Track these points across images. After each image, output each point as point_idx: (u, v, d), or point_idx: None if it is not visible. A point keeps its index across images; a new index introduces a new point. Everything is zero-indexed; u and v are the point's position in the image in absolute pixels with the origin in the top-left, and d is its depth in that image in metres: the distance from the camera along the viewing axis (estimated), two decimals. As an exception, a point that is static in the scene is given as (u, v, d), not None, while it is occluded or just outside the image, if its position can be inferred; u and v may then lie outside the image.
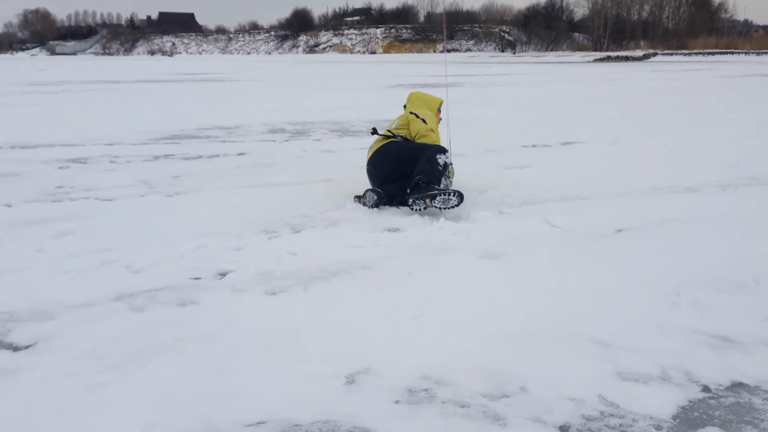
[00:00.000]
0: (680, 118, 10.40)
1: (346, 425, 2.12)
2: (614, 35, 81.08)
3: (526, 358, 2.49)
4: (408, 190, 4.58)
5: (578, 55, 62.91)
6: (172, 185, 5.69)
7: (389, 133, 5.00)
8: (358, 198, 4.84)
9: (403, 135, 4.96)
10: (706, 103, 12.88)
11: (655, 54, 55.49)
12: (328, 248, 3.85)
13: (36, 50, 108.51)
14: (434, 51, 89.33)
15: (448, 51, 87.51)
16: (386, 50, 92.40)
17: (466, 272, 3.43)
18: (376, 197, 4.68)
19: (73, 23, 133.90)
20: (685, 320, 2.79)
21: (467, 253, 3.72)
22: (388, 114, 11.07)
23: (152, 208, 4.91)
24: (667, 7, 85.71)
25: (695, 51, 58.34)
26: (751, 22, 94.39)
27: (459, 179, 5.38)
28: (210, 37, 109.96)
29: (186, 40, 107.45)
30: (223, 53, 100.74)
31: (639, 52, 58.78)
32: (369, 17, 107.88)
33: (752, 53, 52.95)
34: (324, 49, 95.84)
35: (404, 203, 4.67)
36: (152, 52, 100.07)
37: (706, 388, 2.29)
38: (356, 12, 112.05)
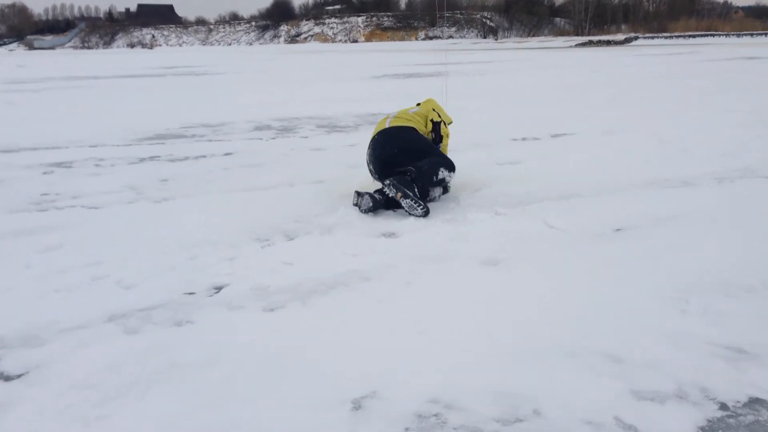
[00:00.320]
0: (668, 105, 10.36)
1: (357, 458, 2.04)
2: (595, 19, 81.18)
3: (537, 377, 2.42)
4: (398, 171, 4.60)
5: (560, 40, 62.91)
6: (159, 190, 5.56)
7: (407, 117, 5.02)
8: (358, 195, 4.67)
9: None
10: (693, 89, 12.86)
11: (636, 38, 55.57)
12: (324, 257, 3.76)
13: (14, 45, 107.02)
14: (416, 38, 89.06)
15: (429, 38, 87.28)
16: (368, 39, 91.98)
17: (466, 281, 3.35)
18: (371, 203, 4.58)
19: (50, 17, 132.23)
20: (697, 330, 2.73)
21: (466, 260, 3.64)
22: (377, 107, 10.98)
23: (140, 215, 4.79)
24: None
25: (676, 34, 58.51)
26: (731, 3, 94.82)
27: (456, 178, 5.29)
28: (190, 29, 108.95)
29: (166, 32, 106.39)
30: (204, 45, 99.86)
31: (620, 36, 58.84)
32: (350, 6, 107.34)
33: (732, 35, 53.17)
34: (305, 38, 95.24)
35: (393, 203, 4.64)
36: (132, 45, 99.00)
37: (723, 406, 2.23)
38: (337, 1, 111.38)
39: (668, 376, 2.40)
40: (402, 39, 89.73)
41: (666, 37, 55.06)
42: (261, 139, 8.32)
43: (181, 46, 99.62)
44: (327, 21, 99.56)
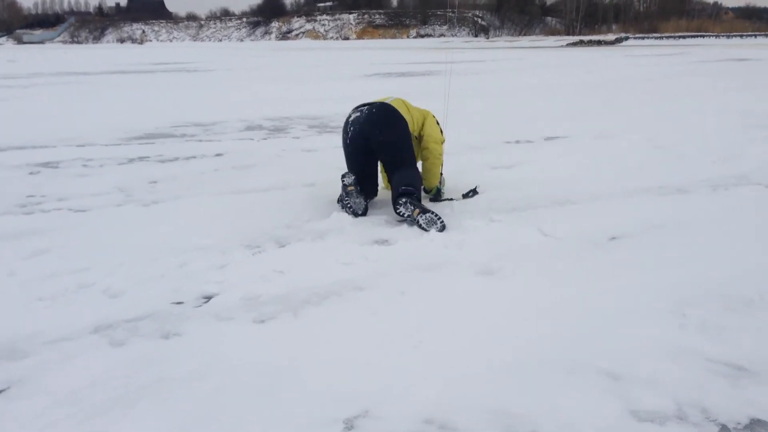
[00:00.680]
0: (661, 108, 10.35)
1: (350, 482, 1.98)
2: (586, 19, 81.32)
3: (534, 395, 2.36)
4: (399, 191, 4.39)
5: (551, 40, 62.98)
6: (148, 192, 5.48)
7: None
8: (342, 199, 4.55)
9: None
10: (685, 92, 12.86)
11: (627, 38, 55.70)
12: (317, 266, 3.69)
13: (3, 39, 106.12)
14: (408, 36, 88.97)
15: (421, 36, 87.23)
16: (360, 36, 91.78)
17: (461, 292, 3.29)
18: (364, 205, 4.52)
19: (40, 11, 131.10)
20: (695, 345, 2.69)
21: (461, 270, 3.58)
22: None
23: (129, 219, 4.71)
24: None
25: (666, 34, 58.67)
26: (721, 4, 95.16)
27: (446, 181, 5.24)
28: (181, 24, 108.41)
29: (156, 28, 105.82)
30: (195, 40, 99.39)
31: (611, 36, 58.96)
32: (342, 3, 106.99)
33: (722, 36, 53.37)
34: (297, 35, 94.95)
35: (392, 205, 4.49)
36: (122, 40, 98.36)
37: (724, 428, 2.18)
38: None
39: (667, 395, 2.35)
40: (393, 37, 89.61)
41: (656, 38, 55.21)
42: (252, 139, 8.24)
43: (171, 41, 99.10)
44: (318, 18, 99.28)
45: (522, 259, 3.73)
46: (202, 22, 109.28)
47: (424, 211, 4.29)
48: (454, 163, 6.27)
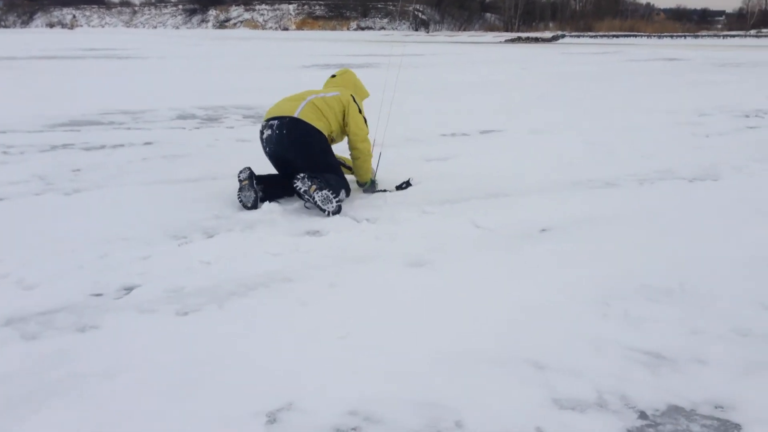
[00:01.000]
0: (593, 104, 10.55)
1: (269, 477, 1.92)
2: (524, 16, 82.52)
3: (460, 386, 2.36)
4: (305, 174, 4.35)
5: (490, 36, 63.70)
6: (71, 181, 5.27)
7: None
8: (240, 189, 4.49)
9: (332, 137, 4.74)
10: (616, 89, 13.16)
11: (563, 36, 56.76)
12: (245, 256, 3.61)
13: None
14: (348, 29, 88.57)
15: (361, 29, 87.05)
16: (299, 27, 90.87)
17: (392, 283, 3.27)
18: (254, 197, 4.44)
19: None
20: (617, 335, 2.73)
21: (392, 261, 3.56)
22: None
23: (49, 208, 4.52)
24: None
25: (601, 33, 60.05)
26: (653, 5, 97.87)
27: (379, 172, 5.21)
28: (113, 10, 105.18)
29: (88, 13, 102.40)
30: (128, 27, 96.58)
31: (548, 34, 59.99)
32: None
33: (654, 36, 54.93)
34: (235, 24, 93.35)
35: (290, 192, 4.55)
36: (51, 25, 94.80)
37: (643, 414, 2.21)
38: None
39: (589, 384, 2.38)
40: (334, 28, 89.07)
41: (591, 36, 56.45)
42: (184, 128, 8.03)
43: (103, 27, 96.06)
44: (257, 7, 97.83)
45: (453, 251, 3.73)
46: (136, 8, 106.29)
47: (321, 188, 4.26)
48: (389, 155, 6.25)
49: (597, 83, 14.63)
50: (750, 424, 2.16)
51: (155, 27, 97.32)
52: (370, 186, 4.98)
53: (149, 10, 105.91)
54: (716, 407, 2.25)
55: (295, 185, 4.33)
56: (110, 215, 4.32)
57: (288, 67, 19.28)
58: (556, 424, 2.16)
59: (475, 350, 2.61)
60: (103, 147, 6.69)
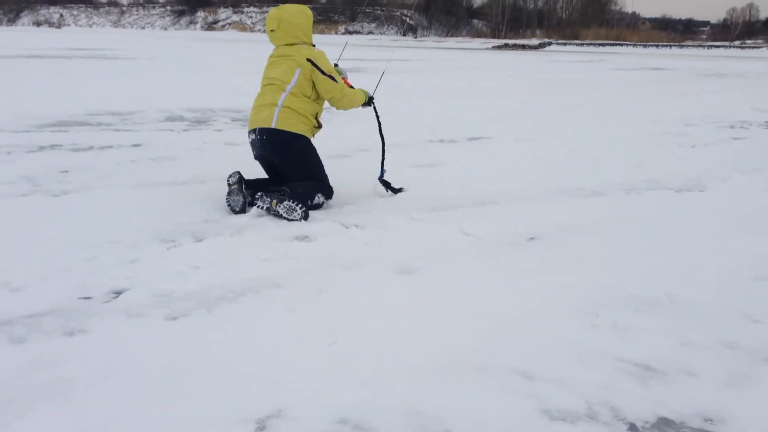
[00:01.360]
0: (580, 112, 10.62)
1: (258, 486, 1.92)
2: (512, 23, 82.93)
3: (449, 395, 2.36)
4: (262, 192, 4.44)
5: (477, 42, 63.92)
6: (59, 182, 5.23)
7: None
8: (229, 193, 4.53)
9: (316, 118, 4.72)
10: (603, 98, 13.26)
11: (550, 43, 57.08)
12: (234, 262, 3.60)
13: None
14: (336, 33, 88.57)
15: (349, 33, 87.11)
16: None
17: (380, 290, 3.27)
18: (242, 202, 4.47)
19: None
20: (606, 346, 2.74)
21: (380, 267, 3.56)
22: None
23: (35, 210, 4.48)
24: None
25: (587, 41, 60.43)
26: (639, 14, 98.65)
27: (368, 178, 5.21)
28: (101, 10, 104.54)
29: (75, 12, 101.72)
30: (116, 27, 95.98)
31: (535, 41, 60.29)
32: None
33: (639, 45, 55.37)
34: (223, 26, 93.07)
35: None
36: (38, 24, 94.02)
37: (633, 427, 2.22)
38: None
39: (578, 395, 2.39)
40: (322, 32, 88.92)
41: (578, 44, 56.81)
42: (172, 130, 8.00)
43: (91, 27, 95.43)
44: (246, 10, 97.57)
45: (441, 258, 3.74)
46: (124, 9, 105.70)
47: (281, 200, 4.31)
48: (377, 161, 6.26)
49: (583, 91, 14.73)
50: (737, 436, 2.17)
51: (143, 28, 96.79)
52: (367, 103, 5.01)
53: (137, 10, 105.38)
54: (705, 420, 2.26)
55: (257, 205, 4.41)
56: (98, 218, 4.29)
57: (276, 70, 19.21)
58: (545, 434, 2.16)
59: (464, 359, 2.61)
60: (91, 148, 6.65)
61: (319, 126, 4.80)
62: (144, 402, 2.27)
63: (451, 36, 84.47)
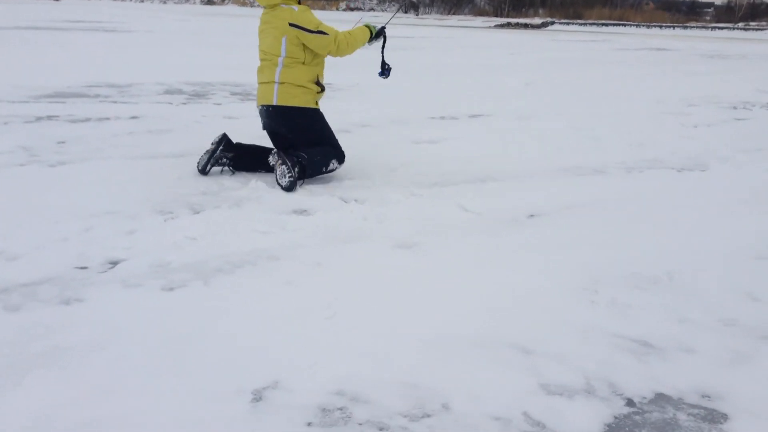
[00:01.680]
0: (582, 92, 10.54)
1: (254, 456, 1.91)
2: (514, 2, 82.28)
3: (447, 369, 2.35)
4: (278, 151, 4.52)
5: (480, 20, 63.41)
6: (56, 153, 5.19)
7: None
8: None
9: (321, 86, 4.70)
10: (605, 77, 13.16)
11: (553, 23, 56.62)
12: (232, 233, 3.57)
13: None
14: (337, 9, 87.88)
15: (351, 9, 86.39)
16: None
17: (379, 264, 3.25)
18: (205, 162, 4.67)
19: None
20: (605, 322, 2.73)
21: (380, 242, 3.54)
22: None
23: (32, 180, 4.45)
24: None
25: (590, 21, 59.97)
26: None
27: (368, 153, 5.18)
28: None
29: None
30: (114, 0, 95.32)
31: (538, 20, 59.79)
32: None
33: (643, 26, 54.97)
34: (223, 1, 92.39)
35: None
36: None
37: (630, 402, 2.21)
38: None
39: (577, 370, 2.38)
40: (323, 8, 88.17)
41: (581, 24, 56.35)
42: (171, 103, 7.93)
43: (90, 0, 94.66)
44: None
45: (441, 234, 3.72)
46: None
47: (284, 162, 4.37)
48: (379, 137, 6.23)
49: (586, 71, 14.62)
50: (736, 413, 2.16)
51: (142, 1, 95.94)
52: (376, 38, 4.90)
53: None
54: (703, 396, 2.26)
55: (268, 160, 4.57)
56: (95, 188, 4.26)
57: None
58: (543, 409, 2.15)
59: (461, 334, 2.60)
60: (88, 120, 6.59)
61: (322, 89, 4.75)
62: (139, 371, 2.26)
63: (453, 14, 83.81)
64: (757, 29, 41.74)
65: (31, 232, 3.47)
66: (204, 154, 4.68)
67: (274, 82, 4.56)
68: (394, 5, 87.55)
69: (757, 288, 3.11)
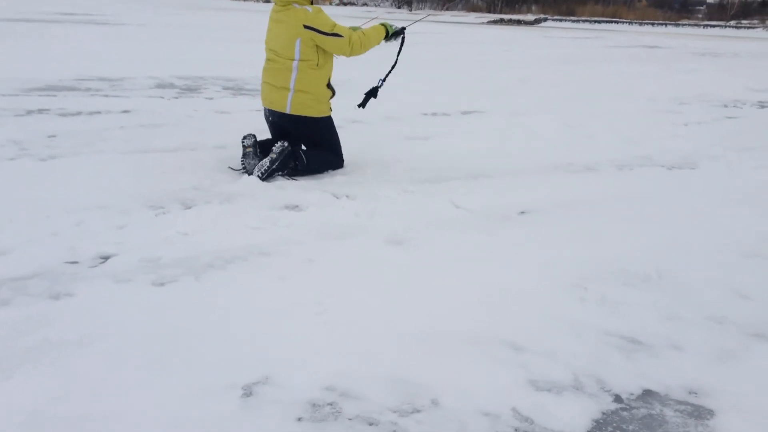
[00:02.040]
0: (574, 89, 10.56)
1: (244, 451, 1.91)
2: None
3: (437, 364, 2.36)
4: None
5: (473, 16, 63.40)
6: (46, 147, 5.16)
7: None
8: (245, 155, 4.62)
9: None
10: (597, 74, 13.19)
11: (545, 19, 56.62)
12: (224, 229, 3.57)
13: None
14: (330, 3, 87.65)
15: (344, 4, 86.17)
16: None
17: (370, 260, 3.26)
18: (256, 164, 4.54)
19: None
20: (594, 319, 2.75)
21: (371, 238, 3.54)
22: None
23: (22, 174, 4.42)
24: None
25: (583, 18, 60.00)
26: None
27: (361, 150, 5.18)
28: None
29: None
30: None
31: (531, 17, 59.79)
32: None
33: (635, 23, 55.07)
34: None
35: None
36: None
37: (618, 398, 2.23)
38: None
39: (565, 366, 2.39)
40: (317, 3, 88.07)
41: (573, 21, 56.37)
42: (163, 97, 7.90)
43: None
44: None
45: (432, 230, 3.73)
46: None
47: (273, 162, 4.45)
48: (372, 134, 6.23)
49: (578, 68, 14.65)
50: (723, 410, 2.18)
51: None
52: (393, 36, 4.95)
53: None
54: (690, 393, 2.28)
55: (273, 148, 4.56)
56: (86, 183, 4.25)
57: (269, 39, 18.99)
58: (531, 405, 2.17)
59: (451, 330, 2.61)
60: (79, 113, 6.56)
61: (333, 93, 4.79)
62: (129, 367, 2.26)
63: (447, 9, 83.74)
64: (748, 27, 41.86)
65: (22, 226, 3.45)
66: (246, 158, 4.57)
67: (288, 89, 4.55)
68: (387, 0, 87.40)
69: (746, 286, 3.13)
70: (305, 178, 4.57)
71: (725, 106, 9.27)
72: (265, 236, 3.51)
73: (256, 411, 2.07)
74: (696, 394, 2.27)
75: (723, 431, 2.09)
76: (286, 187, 4.34)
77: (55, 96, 7.48)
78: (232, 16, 34.16)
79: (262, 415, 2.06)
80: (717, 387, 2.30)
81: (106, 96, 7.72)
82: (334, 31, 4.48)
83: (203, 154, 5.13)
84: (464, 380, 2.27)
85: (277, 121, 4.71)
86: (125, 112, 6.80)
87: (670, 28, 44.59)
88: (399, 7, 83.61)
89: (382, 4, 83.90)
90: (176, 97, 7.94)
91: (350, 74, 8.99)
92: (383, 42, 4.87)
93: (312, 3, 4.61)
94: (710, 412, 2.18)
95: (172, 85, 8.86)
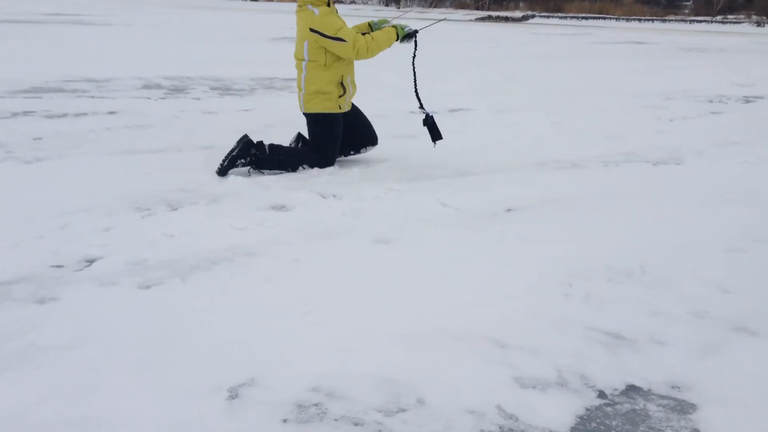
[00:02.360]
0: (561, 85, 10.60)
1: (230, 453, 1.92)
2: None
3: (422, 363, 2.37)
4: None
5: (461, 13, 63.43)
6: (32, 149, 5.14)
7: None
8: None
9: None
10: (585, 71, 13.23)
11: (533, 16, 56.72)
12: (210, 230, 3.57)
13: None
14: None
15: (334, 2, 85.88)
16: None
17: (357, 260, 3.27)
18: (223, 167, 4.61)
19: None
20: (578, 315, 2.77)
21: (358, 238, 3.55)
22: (274, 71, 10.66)
23: (7, 177, 4.41)
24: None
25: (570, 15, 60.15)
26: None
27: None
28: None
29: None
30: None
31: (518, 13, 59.89)
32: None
33: (622, 19, 55.22)
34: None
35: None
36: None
37: (602, 394, 2.25)
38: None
39: (550, 363, 2.41)
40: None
41: (561, 17, 56.51)
42: (149, 98, 7.88)
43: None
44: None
45: (419, 228, 3.74)
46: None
47: (240, 156, 4.58)
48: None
49: (565, 64, 14.69)
50: (705, 404, 2.21)
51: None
52: (405, 39, 5.03)
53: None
54: (673, 387, 2.30)
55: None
56: (71, 185, 4.24)
57: (256, 39, 18.98)
58: (516, 402, 2.18)
59: (437, 328, 2.63)
60: (65, 115, 6.54)
61: (345, 92, 4.80)
62: (115, 370, 2.26)
63: (435, 7, 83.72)
64: (734, 22, 42.09)
65: (6, 230, 3.44)
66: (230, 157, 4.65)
67: (301, 89, 4.77)
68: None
69: (729, 280, 3.16)
70: (291, 178, 4.57)
71: (710, 101, 9.32)
72: (251, 237, 3.51)
73: (242, 413, 2.08)
74: (679, 388, 2.30)
75: (705, 425, 2.12)
76: (272, 188, 4.34)
77: (40, 98, 7.45)
78: (218, 16, 34.04)
79: (248, 417, 2.06)
80: (700, 381, 2.33)
81: (93, 97, 7.69)
82: (338, 35, 4.52)
83: (190, 155, 5.12)
84: (450, 378, 2.28)
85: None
86: (111, 113, 6.78)
87: (657, 24, 44.73)
88: (387, 5, 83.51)
89: (370, 2, 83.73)
90: (163, 98, 7.92)
91: (375, 73, 9.02)
92: (396, 43, 4.91)
93: (329, 5, 4.63)
94: (693, 407, 2.20)
95: (158, 86, 8.83)
